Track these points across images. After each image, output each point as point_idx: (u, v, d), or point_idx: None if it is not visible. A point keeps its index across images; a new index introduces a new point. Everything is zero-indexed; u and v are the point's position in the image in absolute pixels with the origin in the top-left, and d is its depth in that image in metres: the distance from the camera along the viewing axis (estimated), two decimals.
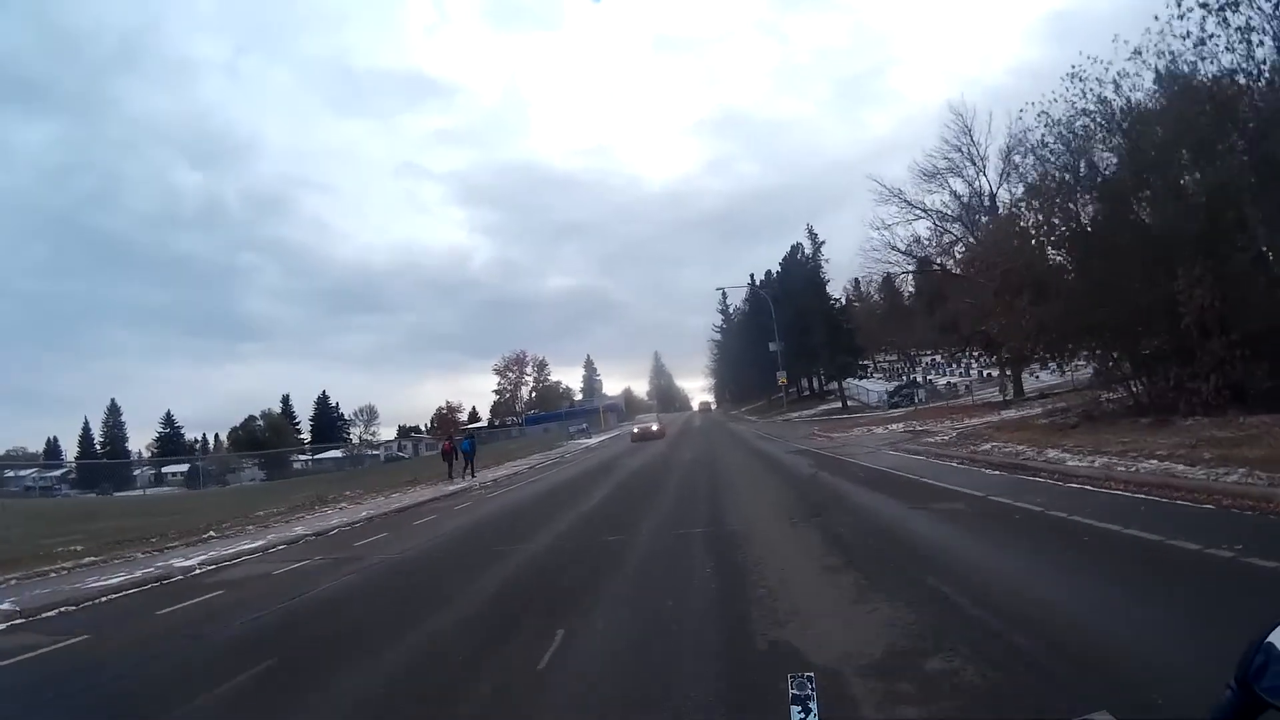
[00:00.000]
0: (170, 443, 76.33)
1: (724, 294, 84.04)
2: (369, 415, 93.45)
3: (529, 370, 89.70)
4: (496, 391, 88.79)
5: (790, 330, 44.25)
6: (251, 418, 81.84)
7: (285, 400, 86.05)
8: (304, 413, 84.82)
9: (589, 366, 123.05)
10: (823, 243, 47.37)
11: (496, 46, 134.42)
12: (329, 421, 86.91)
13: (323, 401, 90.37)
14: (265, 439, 70.24)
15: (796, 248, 50.40)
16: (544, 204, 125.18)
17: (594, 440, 41.65)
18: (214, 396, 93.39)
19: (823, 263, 47.20)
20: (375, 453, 72.70)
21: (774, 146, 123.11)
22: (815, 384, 57.16)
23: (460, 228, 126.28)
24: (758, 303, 57.25)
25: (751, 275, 63.75)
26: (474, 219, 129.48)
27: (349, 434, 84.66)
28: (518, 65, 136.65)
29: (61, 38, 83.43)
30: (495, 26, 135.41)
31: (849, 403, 43.11)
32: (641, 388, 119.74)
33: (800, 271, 48.49)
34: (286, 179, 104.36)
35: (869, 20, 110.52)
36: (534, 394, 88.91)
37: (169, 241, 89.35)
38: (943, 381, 42.30)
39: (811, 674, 1.28)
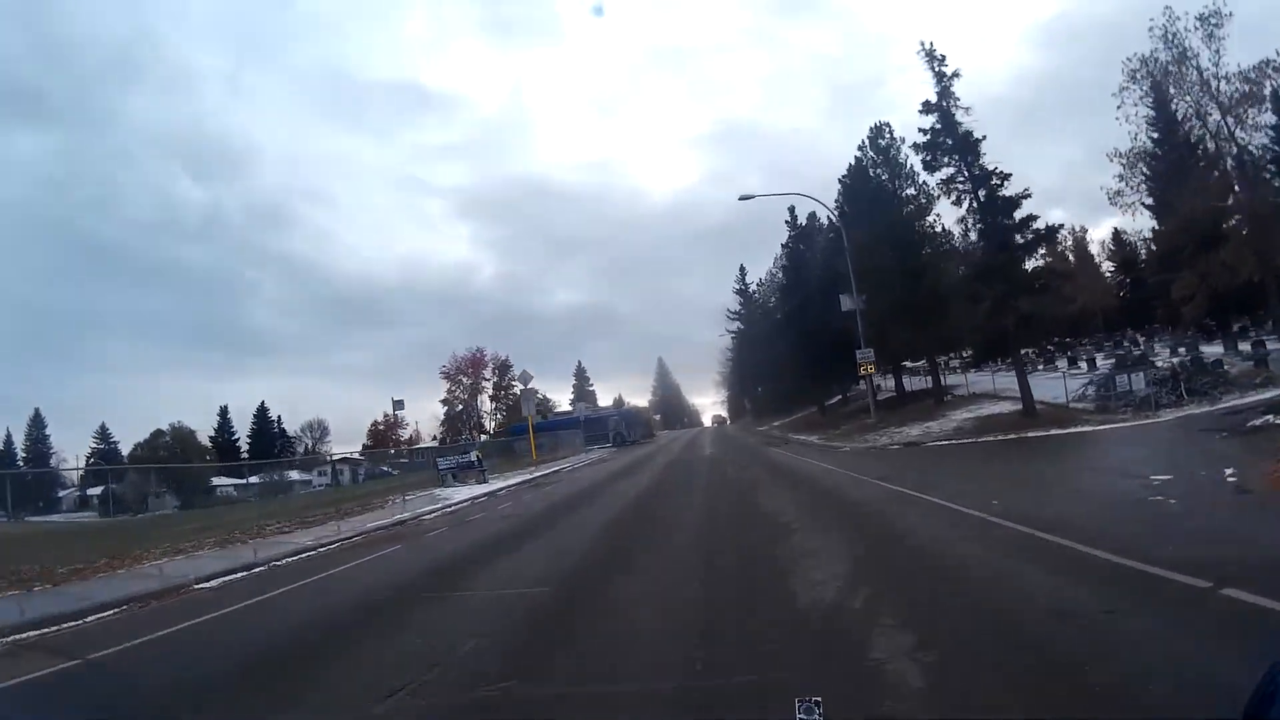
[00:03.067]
0: (107, 458, 63.81)
1: (742, 271, 65.16)
2: (318, 431, 79.23)
3: (488, 374, 70.91)
4: (446, 401, 70.04)
5: (870, 279, 24.83)
6: (159, 432, 66.51)
7: (223, 412, 73.04)
8: (244, 427, 73.27)
9: (579, 374, 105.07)
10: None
11: (497, 60, 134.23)
12: (269, 438, 73.66)
13: (262, 415, 76.35)
14: (168, 457, 58.11)
15: (880, 131, 29.14)
16: (547, 217, 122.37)
17: (475, 493, 20.05)
18: (196, 409, 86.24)
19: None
20: (306, 477, 56.05)
21: (775, 157, 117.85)
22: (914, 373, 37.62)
23: (464, 242, 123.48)
24: (798, 270, 38.07)
25: (789, 217, 44.67)
26: (478, 233, 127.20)
27: (293, 452, 72.07)
28: (519, 78, 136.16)
29: (58, 47, 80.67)
30: (496, 40, 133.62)
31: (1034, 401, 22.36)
32: (645, 402, 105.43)
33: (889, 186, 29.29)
34: (287, 190, 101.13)
35: (866, 28, 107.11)
36: (496, 403, 69.95)
37: (167, 251, 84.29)
38: (1212, 354, 22.91)
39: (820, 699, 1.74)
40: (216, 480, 48.99)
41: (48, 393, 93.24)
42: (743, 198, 26.12)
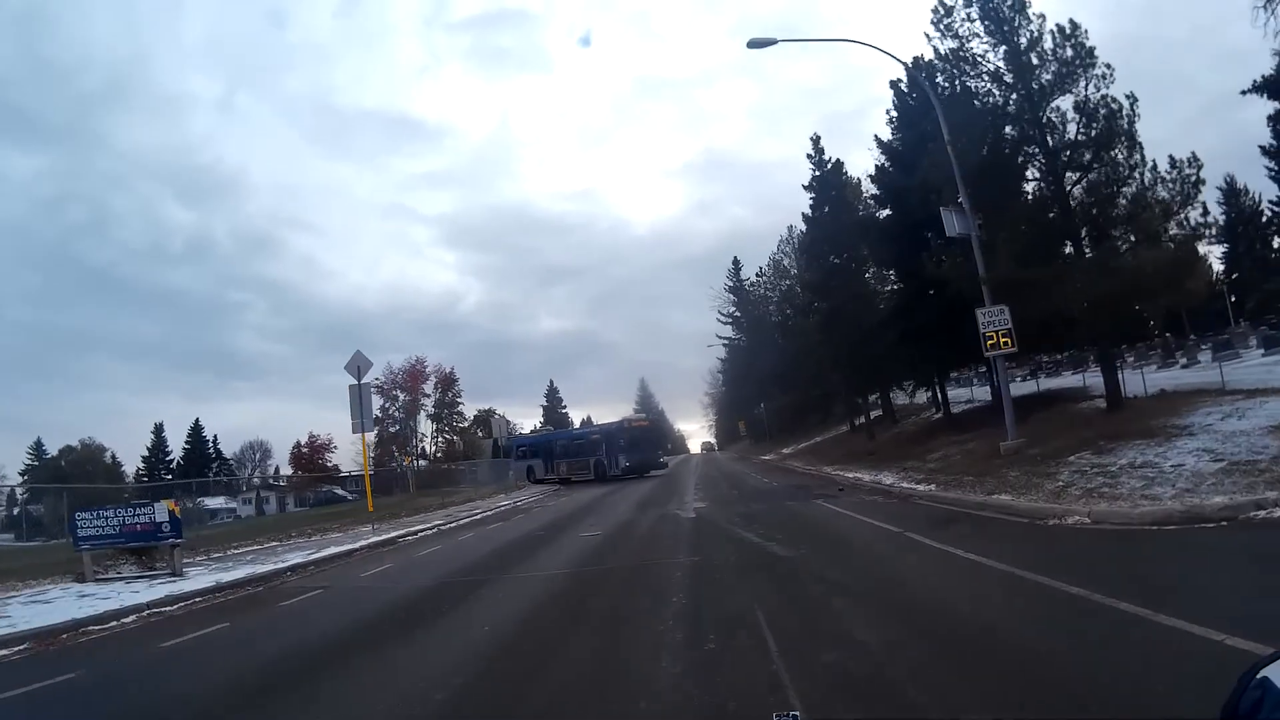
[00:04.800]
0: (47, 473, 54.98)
1: (736, 265, 53.86)
2: (260, 453, 70.95)
3: (428, 388, 58.75)
4: (376, 420, 57.44)
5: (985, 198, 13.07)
6: (69, 448, 59.68)
7: (158, 430, 65.06)
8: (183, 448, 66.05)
9: (551, 396, 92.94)
10: None
11: (486, 89, 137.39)
12: (203, 459, 65.33)
13: (195, 434, 67.92)
14: (68, 476, 48.46)
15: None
16: (533, 246, 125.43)
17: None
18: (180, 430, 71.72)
19: None
20: (230, 505, 48.22)
21: (760, 188, 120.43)
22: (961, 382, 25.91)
23: (450, 270, 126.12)
24: (835, 216, 26.47)
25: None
26: (464, 261, 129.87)
27: (231, 475, 64.67)
28: (507, 108, 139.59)
29: (53, 70, 78.40)
30: (485, 69, 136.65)
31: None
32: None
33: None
34: (274, 218, 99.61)
35: (850, 61, 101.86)
36: (439, 424, 57.50)
37: (157, 276, 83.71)
38: None
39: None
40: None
41: (32, 411, 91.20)
42: (754, 44, 14.45)
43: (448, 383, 61.54)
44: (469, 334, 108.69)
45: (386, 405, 60.49)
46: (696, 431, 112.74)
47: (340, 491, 47.29)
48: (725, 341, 57.05)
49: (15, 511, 37.07)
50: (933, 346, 19.59)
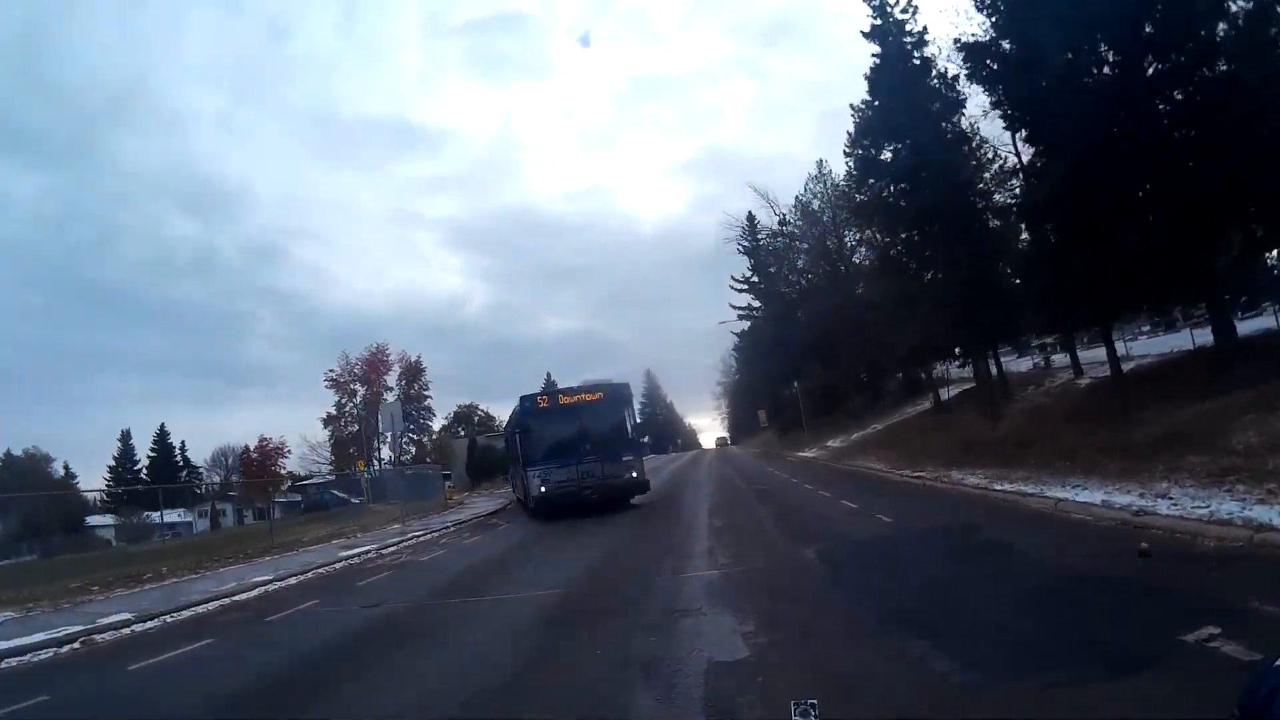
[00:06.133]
0: None
1: (751, 220, 44.04)
2: (232, 459, 61.79)
3: (391, 378, 49.76)
4: (329, 418, 48.82)
5: None
6: (11, 457, 52.06)
7: (125, 437, 57.95)
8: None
9: (549, 384, 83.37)
10: None
11: (486, 93, 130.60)
12: (169, 468, 57.82)
13: (161, 440, 60.94)
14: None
15: None
16: (538, 247, 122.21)
17: None
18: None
19: None
20: (186, 519, 42.46)
21: (762, 182, 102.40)
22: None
23: (456, 273, 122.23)
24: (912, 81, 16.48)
25: None
26: (469, 264, 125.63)
27: (198, 485, 57.28)
28: (508, 110, 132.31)
29: (56, 91, 74.28)
30: (485, 73, 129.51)
31: None
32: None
33: None
34: (279, 228, 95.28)
35: (850, 55, 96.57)
36: (405, 421, 48.09)
37: (165, 289, 78.90)
38: None
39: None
40: (94, 520, 38.37)
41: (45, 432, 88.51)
42: None
43: (414, 372, 52.07)
44: (475, 336, 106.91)
45: (343, 401, 51.49)
46: (707, 426, 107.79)
47: (341, 494, 38.77)
48: (741, 312, 47.29)
49: None
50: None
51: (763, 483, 18.57)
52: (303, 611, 7.97)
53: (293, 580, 10.49)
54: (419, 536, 15.11)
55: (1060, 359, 21.84)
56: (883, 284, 20.45)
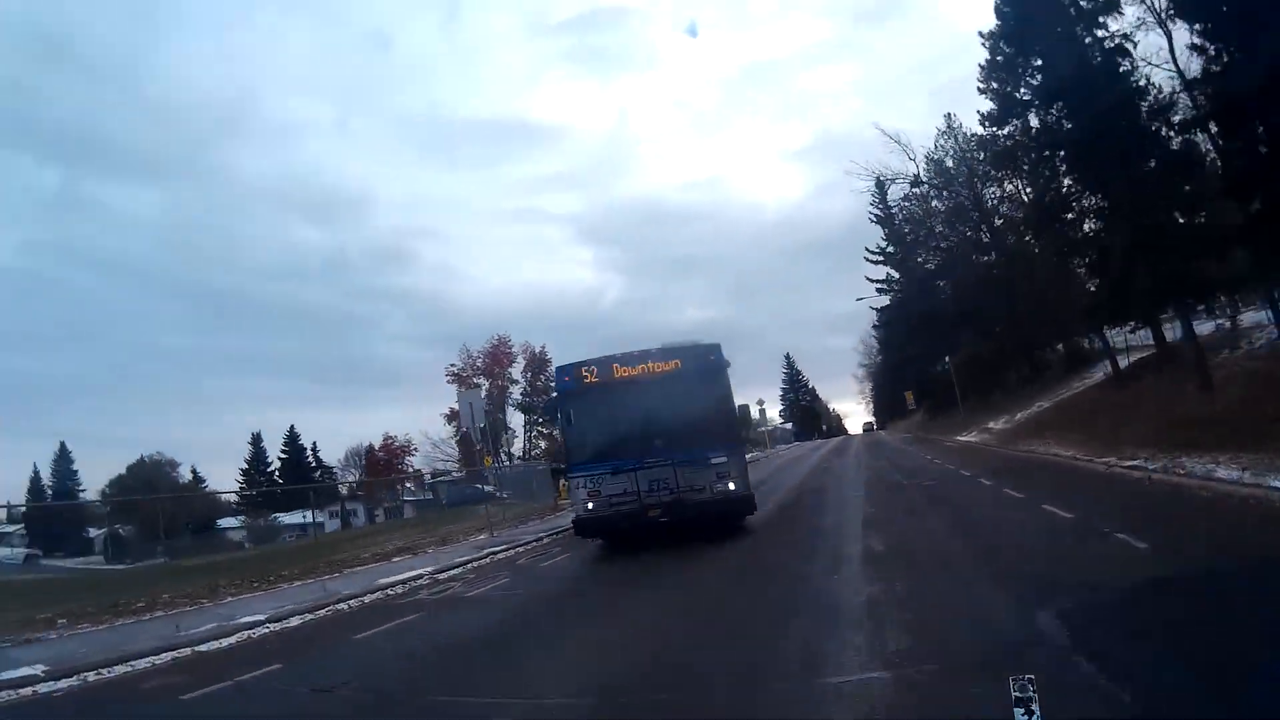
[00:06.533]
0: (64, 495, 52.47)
1: (880, 186, 40.57)
2: (364, 460, 63.92)
3: (516, 368, 50.16)
4: (452, 413, 46.78)
5: None
6: (141, 462, 54.96)
7: (255, 440, 59.14)
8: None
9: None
10: None
11: (598, 88, 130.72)
12: (303, 469, 59.16)
13: (292, 441, 61.96)
14: (133, 491, 44.61)
15: None
16: (666, 238, 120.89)
17: None
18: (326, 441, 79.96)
19: None
20: (318, 519, 42.49)
21: (878, 163, 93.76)
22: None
23: (588, 267, 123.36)
24: None
25: None
26: (601, 257, 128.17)
27: (323, 484, 57.46)
28: (622, 104, 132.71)
29: (167, 111, 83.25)
30: (594, 69, 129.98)
31: None
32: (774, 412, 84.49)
33: None
34: (403, 230, 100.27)
35: (956, 26, 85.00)
36: (529, 415, 48.51)
37: (294, 293, 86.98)
38: None
39: None
40: (226, 522, 40.55)
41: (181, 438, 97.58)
42: None
43: (539, 364, 49.79)
44: (612, 329, 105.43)
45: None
46: (853, 412, 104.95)
47: (488, 489, 35.38)
48: (879, 285, 43.96)
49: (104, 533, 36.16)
50: None
51: (927, 476, 15.55)
52: (211, 694, 5.26)
53: (269, 629, 7.85)
54: (495, 554, 12.37)
55: (1251, 317, 17.88)
56: (1040, 239, 17.61)
